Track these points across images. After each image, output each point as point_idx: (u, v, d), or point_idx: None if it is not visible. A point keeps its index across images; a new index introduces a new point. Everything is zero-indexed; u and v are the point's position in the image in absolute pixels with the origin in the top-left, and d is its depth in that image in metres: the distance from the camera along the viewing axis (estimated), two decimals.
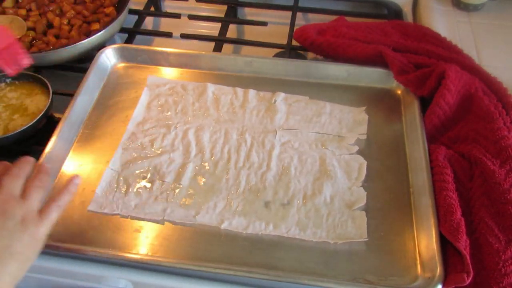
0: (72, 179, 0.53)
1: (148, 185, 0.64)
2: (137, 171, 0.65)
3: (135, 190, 0.63)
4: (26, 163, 0.51)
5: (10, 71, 0.62)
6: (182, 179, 0.64)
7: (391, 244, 0.58)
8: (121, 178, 0.64)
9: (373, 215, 0.60)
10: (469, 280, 0.50)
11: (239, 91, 0.76)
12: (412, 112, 0.70)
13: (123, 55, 0.81)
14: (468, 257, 0.51)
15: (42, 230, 0.47)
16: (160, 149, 0.68)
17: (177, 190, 0.63)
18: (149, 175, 0.65)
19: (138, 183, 0.64)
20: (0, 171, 0.50)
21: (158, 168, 0.65)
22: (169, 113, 0.73)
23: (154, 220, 0.60)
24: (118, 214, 0.60)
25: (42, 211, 0.48)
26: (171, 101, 0.74)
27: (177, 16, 0.95)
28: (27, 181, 0.50)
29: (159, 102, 0.74)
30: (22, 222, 0.46)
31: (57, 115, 0.74)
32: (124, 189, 0.63)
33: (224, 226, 0.59)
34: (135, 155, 0.67)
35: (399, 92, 0.76)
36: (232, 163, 0.66)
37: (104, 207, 0.61)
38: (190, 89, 0.76)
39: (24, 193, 0.48)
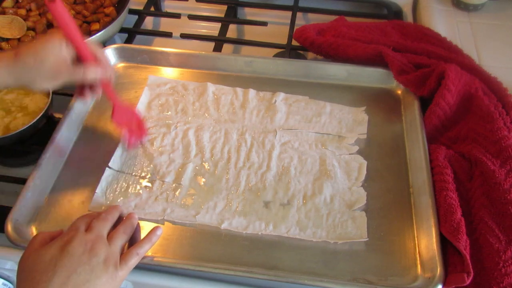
0: (154, 230, 0.56)
1: (148, 185, 0.64)
2: (137, 171, 0.65)
3: (135, 190, 0.63)
4: (115, 211, 0.56)
5: (130, 144, 0.67)
6: (182, 179, 0.64)
7: (391, 244, 0.58)
8: (121, 178, 0.64)
9: (373, 215, 0.60)
10: (469, 280, 0.50)
11: (239, 91, 0.76)
12: (412, 112, 0.70)
13: (123, 55, 0.81)
14: (468, 257, 0.51)
15: (121, 274, 0.49)
16: (160, 149, 0.68)
17: (177, 190, 0.63)
18: (149, 175, 0.65)
19: (138, 183, 0.64)
20: (93, 216, 0.54)
21: (158, 168, 0.65)
22: (169, 112, 0.73)
23: (154, 220, 0.60)
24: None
25: (123, 257, 0.51)
26: (172, 101, 0.74)
27: (177, 16, 0.95)
28: (114, 227, 0.54)
29: (160, 102, 0.74)
30: (105, 262, 0.48)
31: (57, 115, 0.74)
32: (124, 189, 0.63)
33: (224, 226, 0.59)
34: (135, 155, 0.67)
35: (399, 92, 0.76)
36: (232, 163, 0.66)
37: (104, 207, 0.61)
38: (190, 89, 0.76)
39: (110, 237, 0.52)
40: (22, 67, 0.55)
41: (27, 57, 0.55)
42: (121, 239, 0.52)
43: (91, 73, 0.58)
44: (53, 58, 0.55)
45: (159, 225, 0.58)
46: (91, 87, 0.62)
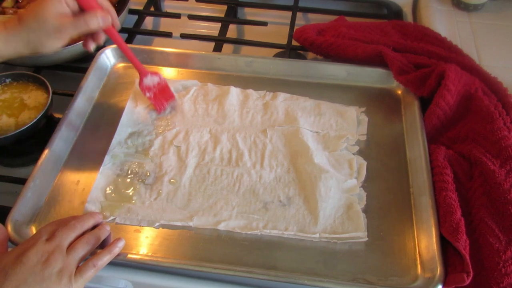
0: (116, 242, 0.54)
1: (144, 187, 0.63)
2: (135, 172, 0.65)
3: (131, 191, 0.62)
4: (90, 218, 0.55)
5: (158, 110, 0.72)
6: (177, 181, 0.63)
7: (391, 244, 0.58)
8: (120, 179, 0.64)
9: (373, 215, 0.60)
10: (469, 280, 0.50)
11: (236, 91, 0.75)
12: (412, 112, 0.70)
13: (123, 55, 0.80)
14: (467, 257, 0.51)
15: (75, 286, 0.48)
16: (155, 152, 0.67)
17: (175, 192, 0.62)
18: (145, 177, 0.64)
19: (133, 185, 0.63)
20: (62, 222, 0.53)
21: (154, 171, 0.65)
22: (160, 115, 0.72)
23: (153, 221, 0.60)
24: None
25: (80, 268, 0.50)
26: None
27: (177, 16, 0.95)
28: (81, 235, 0.53)
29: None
30: (58, 273, 0.47)
31: (57, 115, 0.74)
32: (121, 191, 0.63)
33: (221, 227, 0.59)
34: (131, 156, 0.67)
35: (399, 92, 0.76)
36: (232, 164, 0.65)
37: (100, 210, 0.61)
38: (178, 90, 0.75)
39: (71, 248, 0.50)
40: (27, 31, 0.56)
41: (28, 20, 0.56)
42: (82, 249, 0.50)
43: (93, 21, 0.58)
44: (53, 16, 0.56)
45: (122, 238, 0.55)
46: (93, 36, 0.62)
